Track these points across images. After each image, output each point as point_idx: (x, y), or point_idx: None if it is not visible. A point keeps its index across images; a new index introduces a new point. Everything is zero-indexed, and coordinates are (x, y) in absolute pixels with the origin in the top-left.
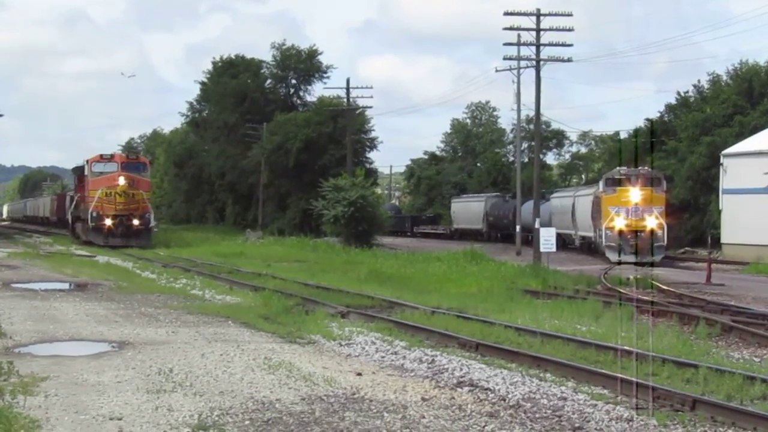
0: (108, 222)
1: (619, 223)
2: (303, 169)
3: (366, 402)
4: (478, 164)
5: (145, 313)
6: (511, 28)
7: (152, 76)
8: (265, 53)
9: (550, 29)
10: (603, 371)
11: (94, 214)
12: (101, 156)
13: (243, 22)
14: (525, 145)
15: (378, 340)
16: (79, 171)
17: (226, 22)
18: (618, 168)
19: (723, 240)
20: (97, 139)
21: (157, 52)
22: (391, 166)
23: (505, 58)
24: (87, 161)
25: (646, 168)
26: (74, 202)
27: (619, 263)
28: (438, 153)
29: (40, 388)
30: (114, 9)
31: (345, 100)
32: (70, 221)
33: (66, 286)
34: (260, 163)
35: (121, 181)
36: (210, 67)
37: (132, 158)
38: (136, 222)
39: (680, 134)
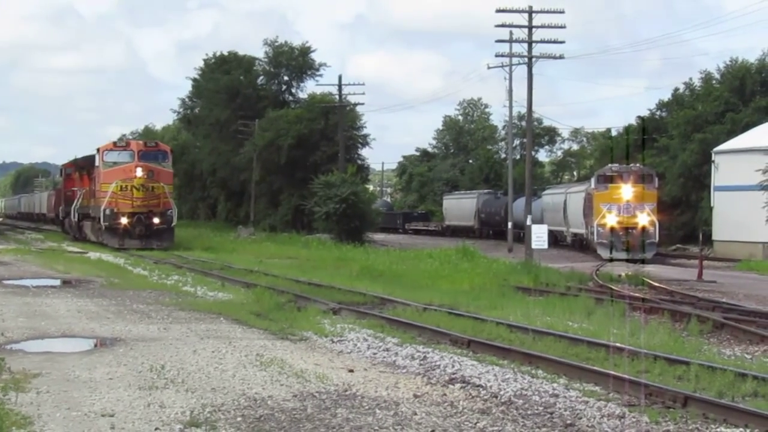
0: (124, 221)
1: (611, 220)
2: (295, 166)
3: (358, 398)
4: (470, 161)
5: (136, 309)
6: (503, 25)
7: (142, 72)
8: (255, 49)
9: (542, 26)
10: (595, 368)
11: (108, 212)
12: (115, 144)
13: (232, 18)
14: (517, 141)
15: (370, 336)
16: (83, 161)
17: (216, 18)
18: (610, 165)
19: (714, 237)
20: (88, 135)
21: (147, 47)
22: (383, 163)
23: (497, 55)
24: (98, 150)
25: (637, 165)
26: (78, 198)
27: (611, 260)
28: (430, 150)
29: (32, 385)
30: (102, 4)
31: (337, 96)
32: (75, 220)
33: (58, 282)
34: (252, 159)
35: (139, 172)
36: (202, 63)
37: (150, 146)
38: (156, 220)
39: (672, 131)
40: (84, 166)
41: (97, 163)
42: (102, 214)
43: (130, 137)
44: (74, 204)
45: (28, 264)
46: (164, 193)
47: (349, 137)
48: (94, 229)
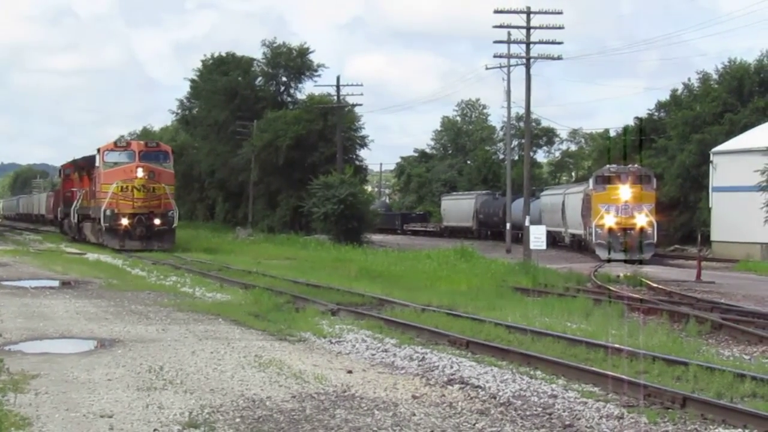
0: (124, 222)
1: (609, 220)
2: (293, 167)
3: (356, 400)
4: (469, 162)
5: (135, 310)
6: (501, 26)
7: (140, 72)
8: (252, 50)
9: (540, 27)
10: (593, 369)
11: (108, 213)
12: (115, 144)
13: (230, 18)
14: (515, 142)
15: (368, 337)
16: (83, 162)
17: (214, 18)
18: (608, 165)
19: (713, 238)
20: (86, 136)
21: (145, 48)
22: (381, 164)
23: (495, 56)
24: (99, 150)
25: (636, 165)
26: (78, 199)
27: (609, 261)
28: (428, 150)
29: (31, 386)
30: (99, 5)
31: (335, 97)
32: (75, 221)
33: (56, 283)
34: (250, 160)
35: (140, 172)
36: (200, 64)
37: (152, 146)
38: (157, 221)
39: (670, 132)
40: (84, 167)
41: (97, 164)
42: (102, 215)
43: (128, 138)
44: (74, 205)
45: (26, 265)
46: (165, 193)
47: (347, 138)
48: (94, 230)
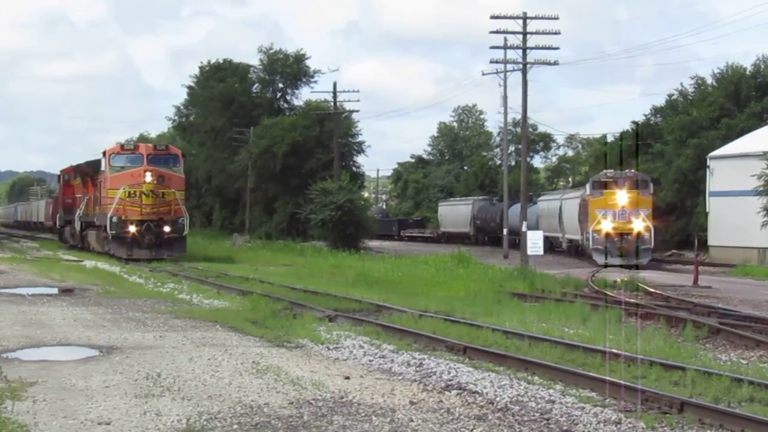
0: (132, 229)
1: (606, 225)
2: (290, 173)
3: (354, 406)
4: (465, 167)
5: (132, 317)
6: (497, 32)
7: (136, 79)
8: (249, 57)
9: (537, 33)
10: (591, 374)
11: (115, 220)
12: (122, 146)
13: (226, 25)
14: (512, 148)
15: (366, 343)
16: (87, 166)
17: (210, 25)
18: (605, 171)
19: (710, 242)
20: (83, 143)
21: (141, 55)
22: (378, 170)
23: (491, 62)
24: (104, 153)
25: (632, 171)
26: (81, 205)
27: (606, 266)
28: (425, 156)
29: (28, 393)
30: (95, 11)
31: (332, 103)
32: (78, 228)
33: (53, 290)
34: (247, 167)
35: (148, 177)
36: (197, 71)
37: (161, 149)
38: (167, 229)
39: (667, 137)
40: (87, 172)
41: (103, 168)
42: (108, 222)
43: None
44: (77, 212)
45: (23, 272)
46: (175, 199)
47: (344, 144)
48: (99, 238)
